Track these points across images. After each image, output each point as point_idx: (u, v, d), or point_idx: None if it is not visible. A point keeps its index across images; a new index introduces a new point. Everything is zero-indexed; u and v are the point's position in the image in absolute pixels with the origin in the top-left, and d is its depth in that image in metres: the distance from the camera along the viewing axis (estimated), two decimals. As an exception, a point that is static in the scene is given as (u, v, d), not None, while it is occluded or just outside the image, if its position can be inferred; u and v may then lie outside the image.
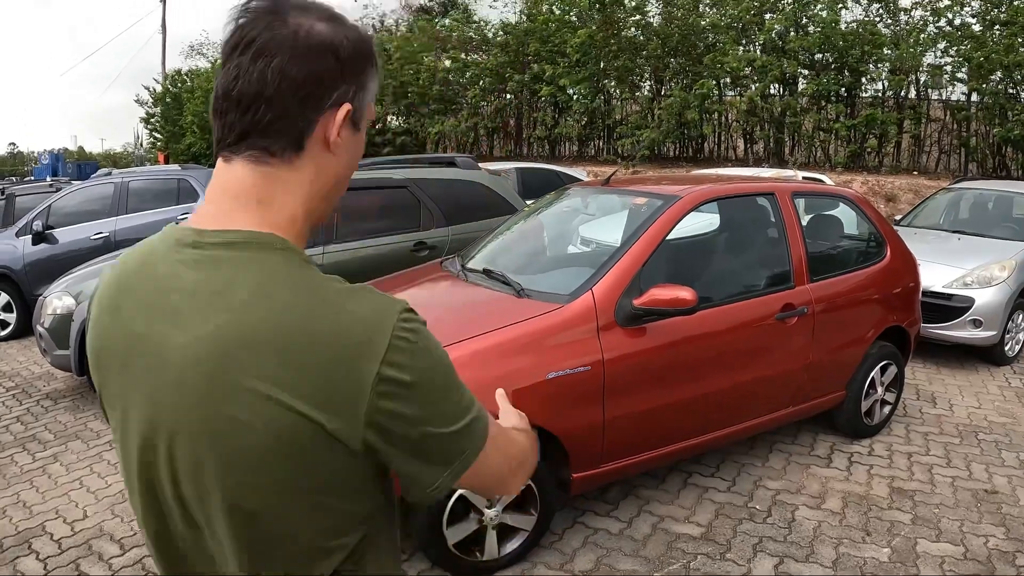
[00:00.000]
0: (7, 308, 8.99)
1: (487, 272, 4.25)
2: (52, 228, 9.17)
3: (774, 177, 6.38)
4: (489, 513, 3.45)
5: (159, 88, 33.86)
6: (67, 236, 9.18)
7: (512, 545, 3.61)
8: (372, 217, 6.63)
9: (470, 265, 4.55)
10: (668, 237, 4.09)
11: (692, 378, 3.98)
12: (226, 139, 1.02)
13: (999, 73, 14.55)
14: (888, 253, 5.14)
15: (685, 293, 3.54)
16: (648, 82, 20.35)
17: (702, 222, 5.31)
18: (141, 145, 38.42)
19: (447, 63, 22.57)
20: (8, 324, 8.99)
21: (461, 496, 3.34)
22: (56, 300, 6.35)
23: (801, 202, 5.07)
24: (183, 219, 6.67)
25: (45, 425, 5.84)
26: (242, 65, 0.98)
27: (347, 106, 1.03)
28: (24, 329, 8.99)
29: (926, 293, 6.65)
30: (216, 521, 1.01)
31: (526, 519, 3.60)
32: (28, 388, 6.84)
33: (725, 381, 4.12)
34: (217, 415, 0.95)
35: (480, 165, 7.93)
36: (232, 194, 1.03)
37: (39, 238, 9.04)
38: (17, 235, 9.19)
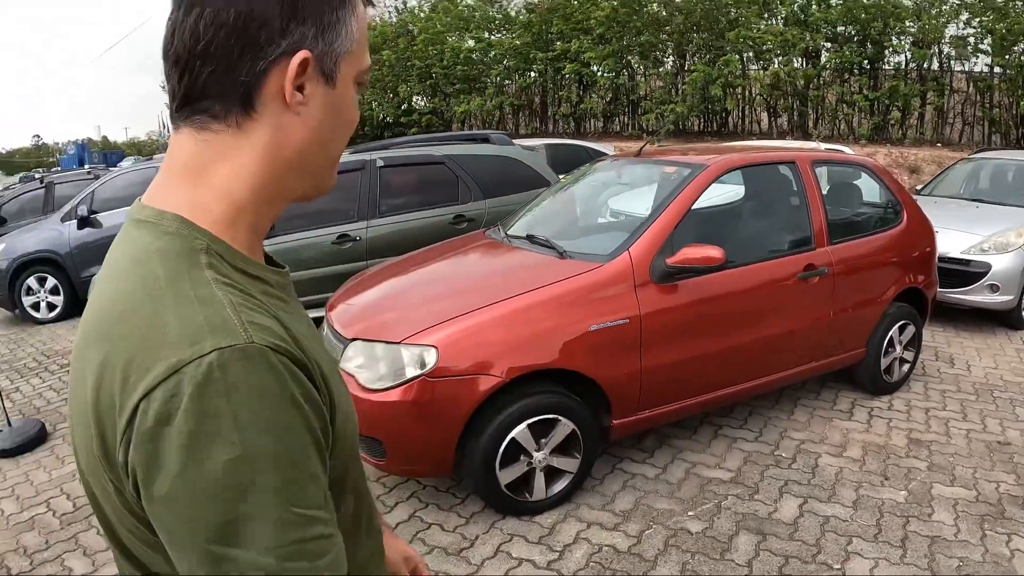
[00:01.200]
0: (55, 291, 9.34)
1: (530, 238, 4.58)
2: (96, 213, 9.47)
3: (795, 147, 6.60)
4: (538, 456, 3.77)
5: (184, 75, 34.27)
6: (111, 220, 9.44)
7: (558, 486, 3.92)
8: (412, 192, 6.95)
9: (512, 232, 4.88)
10: (697, 205, 4.38)
11: (721, 332, 4.27)
12: (172, 106, 0.88)
13: (1022, 44, 14.53)
14: (905, 218, 5.38)
15: (714, 251, 3.85)
16: (672, 57, 20.40)
17: (729, 191, 5.58)
18: (167, 132, 38.83)
19: (471, 43, 22.74)
20: (56, 306, 9.36)
21: (513, 439, 3.65)
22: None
23: (822, 170, 5.33)
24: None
25: (101, 397, 6.18)
26: (176, 20, 0.84)
27: (302, 53, 0.84)
28: (71, 311, 9.37)
29: (945, 259, 6.88)
30: None
31: (571, 462, 3.91)
32: (82, 364, 7.19)
33: (751, 335, 4.40)
34: (72, 408, 0.87)
35: (513, 141, 8.21)
36: (174, 167, 0.89)
37: (84, 223, 9.33)
38: (63, 221, 9.50)
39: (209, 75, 0.83)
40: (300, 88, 0.86)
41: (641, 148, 5.43)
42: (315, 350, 0.88)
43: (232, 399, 0.72)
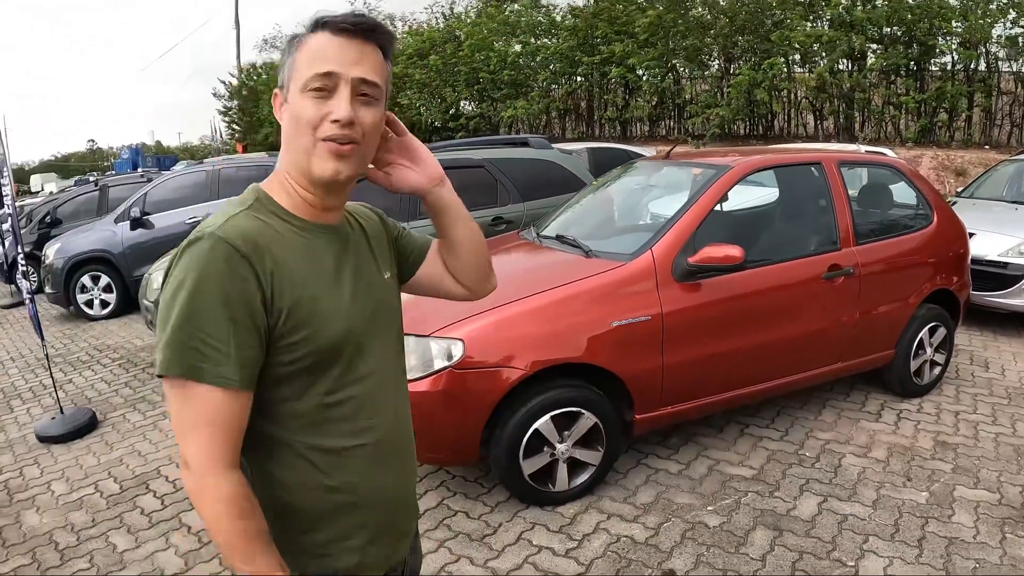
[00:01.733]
0: (108, 289, 9.69)
1: (559, 238, 4.71)
2: (148, 214, 9.78)
3: (833, 150, 6.62)
4: (560, 447, 3.88)
5: (235, 82, 34.90)
6: (163, 221, 9.78)
7: (581, 478, 4.03)
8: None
9: (544, 233, 5.02)
10: (725, 207, 4.46)
11: (743, 330, 4.34)
12: None
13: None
14: (935, 220, 5.38)
15: (734, 250, 3.94)
16: (717, 60, 20.34)
17: (756, 192, 5.64)
18: (220, 137, 39.56)
19: (517, 47, 22.89)
20: (109, 304, 9.71)
21: (536, 431, 3.77)
22: (161, 275, 6.90)
23: (852, 172, 5.36)
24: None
25: (152, 389, 6.43)
26: None
27: (276, 90, 1.40)
28: (124, 308, 9.74)
29: (982, 262, 6.84)
30: None
31: (593, 455, 4.02)
32: (133, 359, 7.47)
33: (774, 334, 4.46)
34: None
35: (552, 145, 8.33)
36: None
37: (136, 224, 9.67)
38: (116, 222, 9.85)
39: None
40: (281, 108, 1.37)
41: (670, 150, 5.52)
42: (297, 266, 1.34)
43: (190, 257, 1.24)
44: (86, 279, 9.60)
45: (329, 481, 1.40)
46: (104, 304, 9.71)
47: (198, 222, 7.77)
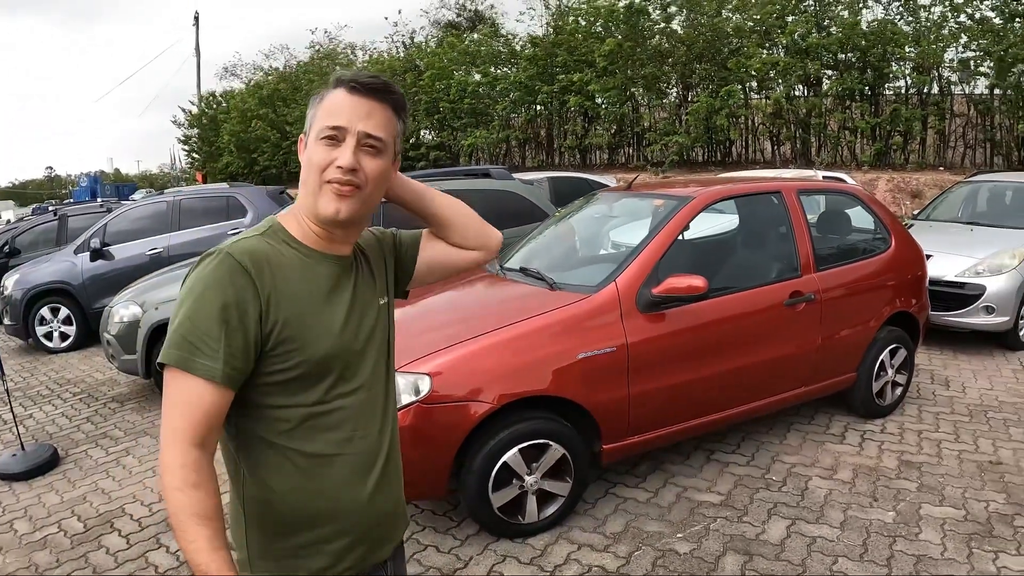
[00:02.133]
0: (67, 321, 9.53)
1: (523, 270, 4.74)
2: (108, 245, 9.66)
3: (788, 177, 6.74)
4: (529, 479, 3.88)
5: (195, 110, 34.68)
6: (123, 252, 9.67)
7: (550, 509, 4.03)
8: (416, 226, 7.09)
9: (507, 265, 5.03)
10: (686, 236, 4.52)
11: (708, 359, 4.39)
12: None
13: (1020, 66, 14.61)
14: (893, 244, 5.50)
15: (697, 281, 3.99)
16: (675, 88, 20.57)
17: (715, 220, 5.72)
18: (177, 165, 39.27)
19: (477, 77, 23.00)
20: (68, 336, 9.55)
21: (504, 463, 3.78)
22: (123, 309, 6.81)
23: (809, 199, 5.46)
24: (232, 234, 7.08)
25: (115, 424, 6.33)
26: None
27: (301, 135, 1.61)
28: (84, 340, 9.57)
29: (940, 283, 6.98)
30: None
31: (562, 486, 4.03)
32: (94, 392, 7.36)
33: (739, 362, 4.52)
34: None
35: (513, 175, 8.35)
36: None
37: (96, 255, 9.54)
38: (75, 252, 9.71)
39: None
40: (303, 152, 1.57)
41: (632, 181, 5.58)
42: (296, 286, 1.50)
43: (201, 269, 1.45)
44: (45, 311, 9.45)
45: (311, 485, 1.53)
46: (64, 336, 9.55)
47: (159, 253, 7.64)
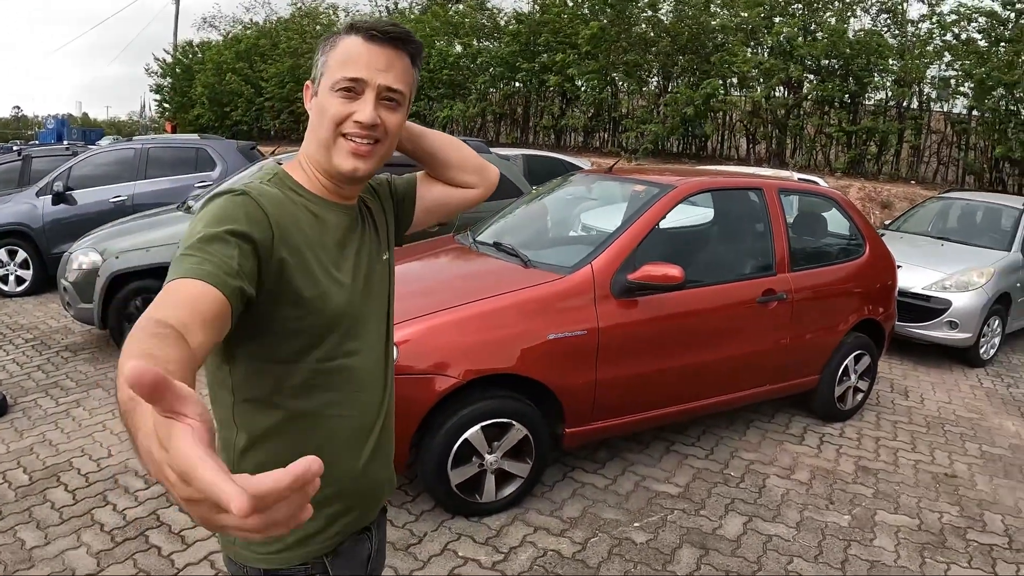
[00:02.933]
0: (24, 265, 9.28)
1: (497, 245, 4.65)
2: (72, 190, 9.41)
3: (766, 175, 6.74)
4: (489, 458, 3.83)
5: (170, 59, 34.07)
6: (86, 198, 9.43)
7: (508, 490, 3.99)
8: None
9: (481, 239, 4.94)
10: (663, 225, 4.48)
11: (678, 350, 4.36)
12: None
13: (1000, 90, 14.77)
14: (867, 251, 5.51)
15: (674, 270, 3.95)
16: (656, 78, 20.53)
17: (695, 212, 5.69)
18: (148, 114, 38.60)
19: (458, 48, 22.80)
20: (24, 280, 9.30)
21: (466, 440, 3.72)
22: (82, 256, 6.62)
23: (788, 199, 5.45)
24: (201, 186, 6.93)
25: (66, 374, 6.16)
26: None
27: (307, 83, 1.49)
28: (40, 286, 9.32)
29: (907, 294, 7.03)
30: None
31: (522, 467, 3.98)
32: (47, 340, 7.16)
33: (707, 355, 4.50)
34: None
35: (491, 150, 8.26)
36: None
37: (59, 198, 9.27)
38: (37, 195, 9.44)
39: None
40: (311, 100, 1.47)
41: (612, 165, 5.53)
42: (306, 231, 1.41)
43: (218, 202, 1.32)
44: (2, 253, 9.20)
45: (309, 448, 1.35)
46: (20, 280, 9.29)
47: (123, 201, 7.43)
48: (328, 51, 1.44)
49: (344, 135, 1.42)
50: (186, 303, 1.14)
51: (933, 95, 16.55)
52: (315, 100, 1.45)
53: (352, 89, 1.40)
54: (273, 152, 9.32)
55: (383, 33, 1.41)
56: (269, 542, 1.46)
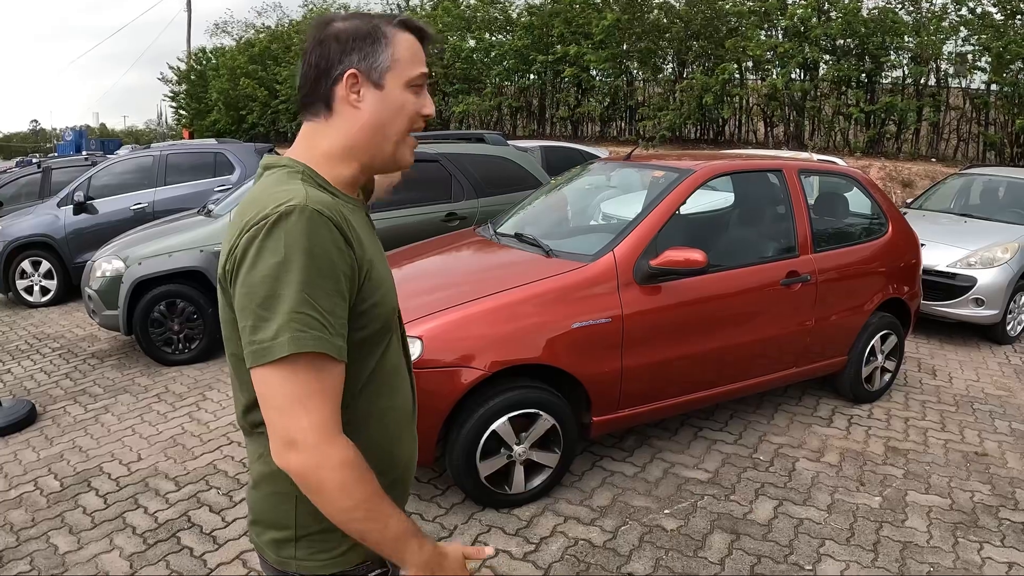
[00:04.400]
0: (48, 275, 9.37)
1: (518, 236, 4.65)
2: (92, 199, 9.49)
3: (786, 157, 6.71)
4: (517, 449, 3.83)
5: (183, 66, 34.27)
6: (107, 207, 9.51)
7: (537, 480, 3.99)
8: (406, 188, 7.02)
9: (502, 230, 4.95)
10: (684, 211, 4.45)
11: (702, 334, 4.34)
12: (298, 110, 1.47)
13: (1018, 63, 14.58)
14: (890, 230, 5.46)
15: (696, 255, 3.92)
16: (671, 64, 20.44)
17: (715, 196, 5.66)
18: (165, 122, 38.84)
19: (471, 43, 22.78)
20: (49, 291, 9.39)
21: (493, 432, 3.72)
22: (105, 263, 6.67)
23: (809, 180, 5.41)
24: (220, 189, 6.97)
25: (94, 381, 6.22)
26: (299, 64, 1.44)
27: (349, 71, 1.37)
28: (64, 295, 9.43)
29: (931, 272, 6.96)
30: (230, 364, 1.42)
31: (550, 457, 3.98)
32: (74, 348, 7.23)
33: (733, 339, 4.47)
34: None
35: (508, 142, 8.27)
36: (299, 138, 1.45)
37: (80, 208, 9.36)
38: (59, 205, 9.53)
39: (310, 92, 1.41)
40: (357, 92, 1.38)
41: (631, 152, 5.51)
42: (362, 237, 1.37)
43: (287, 231, 1.21)
44: (26, 264, 9.29)
45: (373, 443, 1.44)
46: (44, 291, 9.39)
47: (143, 208, 7.52)
48: (389, 44, 1.41)
49: (412, 131, 1.45)
50: (337, 400, 1.27)
51: (951, 71, 16.35)
52: (377, 94, 1.40)
53: (423, 85, 1.44)
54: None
55: (428, 34, 1.47)
56: (331, 548, 1.44)
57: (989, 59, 15.10)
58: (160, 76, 34.74)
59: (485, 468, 3.77)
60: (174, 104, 35.61)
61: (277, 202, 1.25)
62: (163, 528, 3.85)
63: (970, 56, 15.68)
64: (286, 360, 1.19)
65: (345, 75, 1.38)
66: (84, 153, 19.30)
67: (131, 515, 4.01)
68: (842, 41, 16.84)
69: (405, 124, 1.43)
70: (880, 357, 5.47)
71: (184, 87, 33.86)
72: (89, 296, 6.77)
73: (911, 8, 16.70)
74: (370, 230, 1.49)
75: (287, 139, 26.60)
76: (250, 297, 1.22)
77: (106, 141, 38.50)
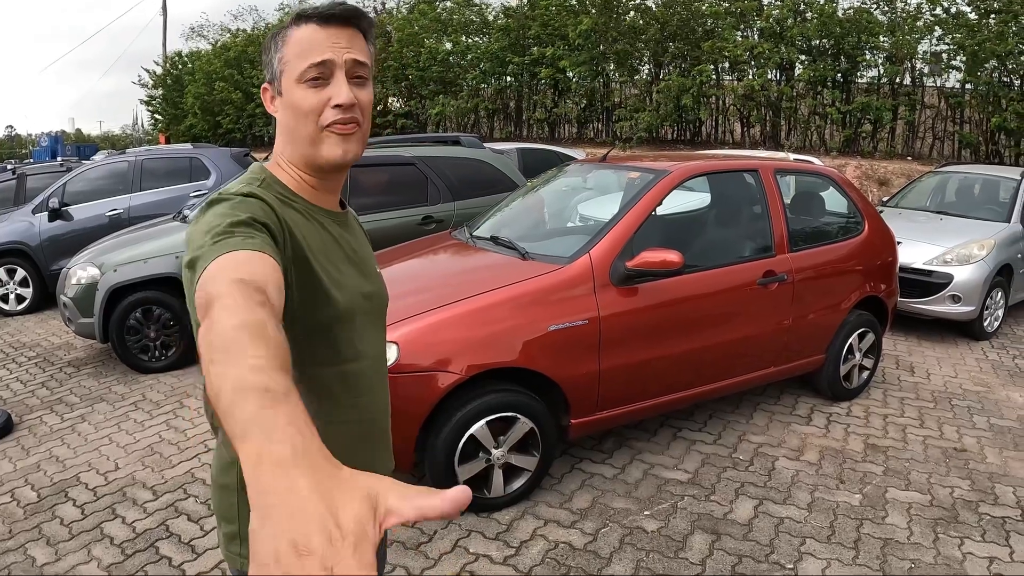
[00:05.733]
0: (24, 283, 9.27)
1: (494, 239, 4.64)
2: (67, 205, 9.39)
3: (763, 157, 6.73)
4: (496, 453, 3.82)
5: (159, 71, 34.05)
6: (82, 213, 9.41)
7: (516, 484, 3.98)
8: (382, 192, 6.99)
9: (477, 233, 4.93)
10: (660, 211, 4.45)
11: (680, 335, 4.33)
12: None
13: (992, 62, 14.71)
14: (866, 228, 5.48)
15: (672, 256, 3.92)
16: (647, 66, 20.46)
17: (692, 196, 5.66)
18: (141, 127, 38.59)
19: (448, 45, 22.76)
20: (25, 299, 9.28)
21: (472, 436, 3.70)
22: (80, 271, 6.60)
23: (785, 180, 5.43)
24: (196, 195, 6.92)
25: (70, 389, 6.15)
26: None
27: (264, 86, 1.46)
28: (40, 303, 9.31)
29: (908, 269, 7.01)
30: None
31: (529, 460, 3.97)
32: (49, 357, 7.15)
33: (710, 339, 4.48)
34: None
35: (484, 145, 8.25)
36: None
37: (55, 215, 9.26)
38: (33, 212, 9.42)
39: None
40: (273, 103, 1.44)
41: (607, 153, 5.50)
42: (307, 236, 1.38)
43: (215, 211, 1.23)
44: (1, 272, 9.19)
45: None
46: (20, 299, 9.29)
47: (119, 215, 7.42)
48: (281, 47, 1.40)
49: (328, 126, 1.38)
50: (259, 266, 1.07)
51: (926, 70, 16.48)
52: (280, 100, 1.42)
53: (321, 76, 1.36)
54: (266, 158, 9.35)
55: (336, 15, 1.38)
56: None
57: (963, 58, 15.22)
58: (136, 80, 34.51)
59: (464, 472, 3.75)
60: (150, 109, 35.40)
61: (218, 194, 1.32)
62: (141, 538, 3.81)
63: (945, 55, 15.81)
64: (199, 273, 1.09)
65: (263, 92, 1.47)
66: (59, 159, 19.12)
67: (109, 525, 3.96)
68: (818, 41, 16.93)
69: (310, 123, 1.38)
70: (858, 355, 5.50)
71: (160, 92, 33.65)
72: (64, 304, 6.70)
73: (886, 8, 16.81)
74: (328, 237, 1.46)
75: (263, 143, 26.48)
76: (189, 255, 1.15)
77: (82, 147, 38.28)
